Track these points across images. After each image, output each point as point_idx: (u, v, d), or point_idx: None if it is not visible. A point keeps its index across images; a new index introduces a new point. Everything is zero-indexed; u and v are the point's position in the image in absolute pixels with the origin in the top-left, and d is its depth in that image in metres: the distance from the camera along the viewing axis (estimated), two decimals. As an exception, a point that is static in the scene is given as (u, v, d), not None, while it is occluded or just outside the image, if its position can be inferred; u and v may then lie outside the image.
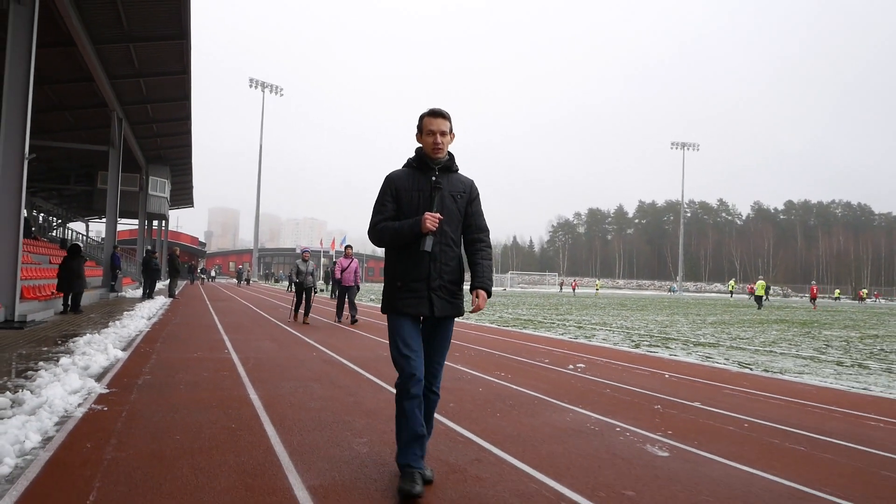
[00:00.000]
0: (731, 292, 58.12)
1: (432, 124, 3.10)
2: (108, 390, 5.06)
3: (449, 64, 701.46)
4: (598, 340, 11.11)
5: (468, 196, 3.23)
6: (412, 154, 3.23)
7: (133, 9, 14.62)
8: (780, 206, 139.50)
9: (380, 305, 3.22)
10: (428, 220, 2.97)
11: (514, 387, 6.00)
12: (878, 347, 11.50)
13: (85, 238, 39.51)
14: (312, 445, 3.69)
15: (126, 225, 41.88)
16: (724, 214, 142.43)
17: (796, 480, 3.36)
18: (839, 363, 8.94)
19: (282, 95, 63.14)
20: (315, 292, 13.03)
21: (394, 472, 3.17)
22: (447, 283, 3.10)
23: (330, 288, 9.33)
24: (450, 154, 3.22)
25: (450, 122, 3.15)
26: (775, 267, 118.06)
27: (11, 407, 4.19)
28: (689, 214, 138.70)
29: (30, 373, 5.57)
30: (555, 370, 7.22)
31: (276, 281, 66.19)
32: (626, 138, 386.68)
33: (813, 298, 34.37)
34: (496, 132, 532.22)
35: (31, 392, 4.55)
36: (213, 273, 63.69)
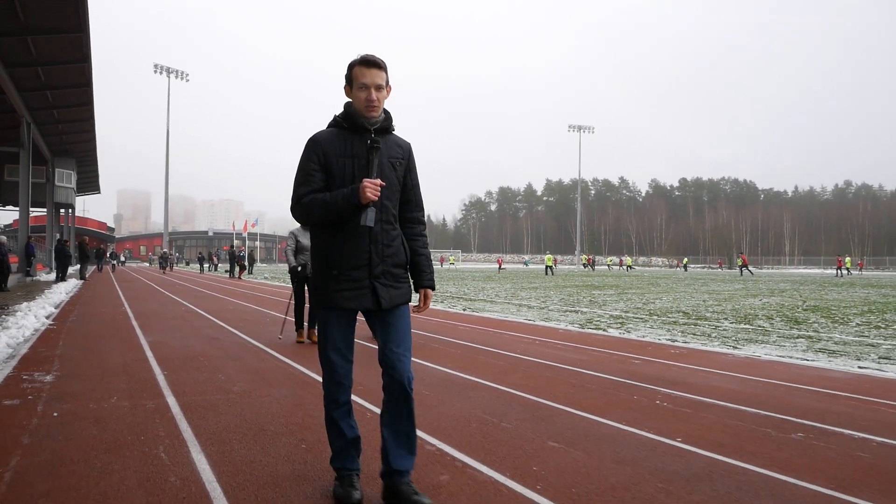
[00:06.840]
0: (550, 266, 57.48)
1: (365, 76, 2.55)
2: (53, 322, 9.36)
3: (350, 27, 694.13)
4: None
5: (406, 163, 2.74)
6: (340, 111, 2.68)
7: (40, 41, 17.96)
8: (675, 184, 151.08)
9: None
10: (368, 188, 2.45)
11: (267, 311, 10.59)
12: (588, 299, 16.87)
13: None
14: (156, 332, 8.18)
15: (32, 212, 43.46)
16: (624, 192, 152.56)
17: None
18: (538, 308, 14.00)
19: (187, 80, 64.69)
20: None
21: (187, 344, 7.66)
22: (391, 267, 2.63)
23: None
24: (386, 112, 2.68)
25: (386, 73, 2.60)
26: (667, 240, 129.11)
27: (8, 329, 8.39)
28: (593, 192, 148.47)
29: (2, 318, 9.67)
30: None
31: (187, 264, 68.06)
32: (539, 121, 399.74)
33: (586, 264, 42.57)
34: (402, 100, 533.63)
35: (13, 323, 8.71)
36: (122, 258, 65.28)
